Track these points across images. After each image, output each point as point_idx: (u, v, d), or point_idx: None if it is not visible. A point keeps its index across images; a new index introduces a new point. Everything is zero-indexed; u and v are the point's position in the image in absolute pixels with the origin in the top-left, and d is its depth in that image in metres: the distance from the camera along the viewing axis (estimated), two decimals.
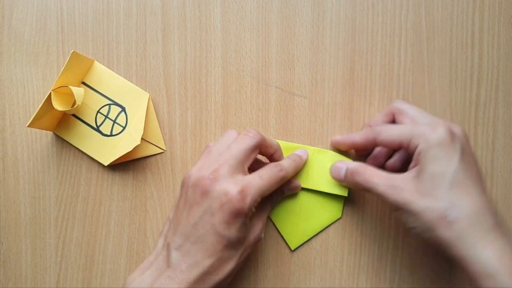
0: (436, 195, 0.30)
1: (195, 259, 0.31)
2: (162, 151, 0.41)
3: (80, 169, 0.41)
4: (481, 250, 0.29)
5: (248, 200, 0.32)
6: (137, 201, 0.41)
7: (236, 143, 0.34)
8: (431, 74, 0.40)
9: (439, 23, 0.40)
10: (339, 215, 0.40)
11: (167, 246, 0.33)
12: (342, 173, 0.37)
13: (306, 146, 0.39)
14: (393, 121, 0.37)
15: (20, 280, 0.41)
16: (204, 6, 0.41)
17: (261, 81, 0.41)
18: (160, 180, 0.41)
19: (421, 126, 0.32)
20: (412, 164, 0.33)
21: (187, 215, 0.32)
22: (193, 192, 0.33)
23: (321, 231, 0.40)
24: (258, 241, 0.35)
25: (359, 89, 0.41)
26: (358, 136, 0.36)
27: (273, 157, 0.37)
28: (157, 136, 0.41)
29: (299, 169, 0.38)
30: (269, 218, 0.40)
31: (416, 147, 0.32)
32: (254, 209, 0.33)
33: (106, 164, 0.40)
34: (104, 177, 0.41)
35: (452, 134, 0.31)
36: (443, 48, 0.40)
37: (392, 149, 0.38)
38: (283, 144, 0.39)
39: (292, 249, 0.40)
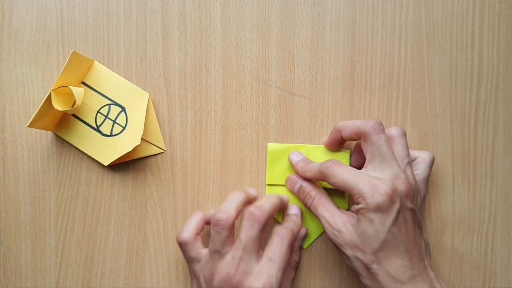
0: (365, 250, 0.33)
1: None
2: (162, 151, 0.41)
3: (80, 169, 0.41)
4: None
5: (276, 286, 0.33)
6: (137, 201, 0.41)
7: (244, 233, 0.34)
8: (431, 74, 0.40)
9: (439, 23, 0.40)
10: (346, 208, 0.40)
11: None
12: (296, 187, 0.38)
13: (302, 144, 0.40)
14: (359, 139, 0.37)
15: (20, 280, 0.41)
16: (204, 6, 0.41)
17: (261, 81, 0.41)
18: (160, 180, 0.41)
19: (362, 185, 0.33)
20: (354, 208, 0.34)
21: None
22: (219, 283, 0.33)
23: None
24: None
25: (359, 89, 0.41)
26: (308, 173, 0.37)
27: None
28: (157, 136, 0.41)
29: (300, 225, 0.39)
30: (275, 220, 0.40)
31: (356, 202, 0.33)
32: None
33: (106, 164, 0.40)
34: (104, 177, 0.41)
35: (391, 195, 0.32)
36: (443, 48, 0.40)
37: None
38: (277, 146, 0.39)
39: (305, 248, 0.40)
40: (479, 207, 0.40)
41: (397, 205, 0.32)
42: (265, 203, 0.36)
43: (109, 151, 0.40)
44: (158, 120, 0.41)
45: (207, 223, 0.38)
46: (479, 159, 0.40)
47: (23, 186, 0.41)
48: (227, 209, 0.35)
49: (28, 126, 0.37)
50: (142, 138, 0.38)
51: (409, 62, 0.40)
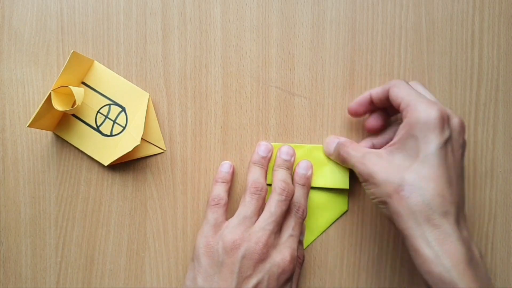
0: (401, 170, 0.31)
1: None
2: (162, 151, 0.41)
3: (80, 169, 0.41)
4: (425, 232, 0.29)
5: (295, 260, 0.35)
6: (137, 201, 0.41)
7: (276, 207, 0.35)
8: (431, 74, 0.40)
9: (439, 23, 0.40)
10: (345, 208, 0.40)
11: None
12: (333, 146, 0.38)
13: (301, 144, 0.40)
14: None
15: (20, 280, 0.41)
16: (204, 6, 0.41)
17: (261, 81, 0.41)
18: (160, 180, 0.41)
19: (419, 101, 0.32)
20: (396, 135, 0.33)
21: (239, 287, 0.33)
22: (245, 264, 0.33)
23: (329, 226, 0.40)
24: None
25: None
26: (374, 91, 0.36)
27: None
28: (157, 136, 0.41)
29: (310, 188, 0.39)
30: None
31: (406, 115, 0.32)
32: None
33: (106, 164, 0.40)
34: (104, 177, 0.41)
35: (444, 121, 0.31)
36: (443, 48, 0.40)
37: (395, 107, 0.36)
38: (278, 146, 0.40)
39: (304, 247, 0.40)
40: (479, 207, 0.40)
41: (447, 131, 0.30)
42: (287, 178, 0.37)
43: (109, 151, 0.40)
44: (158, 120, 0.41)
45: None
46: (479, 159, 0.40)
47: (23, 186, 0.41)
48: (287, 180, 0.37)
49: (28, 126, 0.37)
50: (142, 138, 0.38)
51: (409, 62, 0.40)
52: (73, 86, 0.39)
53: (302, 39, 0.40)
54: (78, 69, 0.39)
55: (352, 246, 0.40)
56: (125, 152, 0.38)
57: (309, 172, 0.39)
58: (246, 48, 0.41)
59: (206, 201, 0.41)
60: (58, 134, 0.41)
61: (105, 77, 0.40)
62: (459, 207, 0.31)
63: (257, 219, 0.35)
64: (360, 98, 0.38)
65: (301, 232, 0.39)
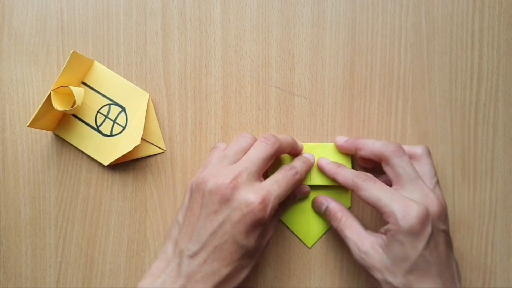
0: (396, 273, 0.32)
1: (211, 269, 0.31)
2: (162, 151, 0.41)
3: (80, 169, 0.41)
4: None
5: (269, 209, 0.32)
6: (137, 201, 0.41)
7: (255, 150, 0.34)
8: (431, 74, 0.40)
9: (439, 23, 0.40)
10: (349, 205, 0.40)
11: (180, 253, 0.32)
12: (323, 208, 0.38)
13: (305, 143, 0.40)
14: (380, 162, 0.36)
15: (20, 280, 0.41)
16: (204, 6, 0.41)
17: (261, 81, 0.41)
18: (160, 180, 0.41)
19: (395, 204, 0.32)
20: (383, 228, 0.34)
21: (204, 222, 0.32)
22: (210, 199, 0.32)
23: None
24: (268, 245, 0.35)
25: (359, 89, 0.41)
26: (340, 176, 0.36)
27: (290, 153, 0.38)
28: (157, 136, 0.41)
29: (309, 171, 0.38)
30: (279, 220, 0.40)
31: (387, 221, 0.33)
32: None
33: (106, 164, 0.40)
34: (104, 177, 0.41)
35: (423, 219, 0.32)
36: (443, 48, 0.40)
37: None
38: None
39: (309, 246, 0.40)
40: (479, 207, 0.40)
41: (428, 229, 0.32)
42: (283, 138, 0.36)
43: (109, 151, 0.40)
44: (158, 120, 0.41)
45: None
46: (479, 159, 0.40)
47: (23, 186, 0.41)
48: (276, 136, 0.36)
49: (28, 126, 0.37)
50: (142, 138, 0.38)
51: (409, 62, 0.40)
52: (73, 86, 0.39)
53: (302, 39, 0.40)
54: (78, 69, 0.39)
55: None
56: (125, 152, 0.38)
57: (312, 158, 0.39)
58: (246, 48, 0.41)
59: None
60: (58, 134, 0.41)
61: (105, 77, 0.40)
62: (454, 282, 0.33)
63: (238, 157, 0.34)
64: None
65: (300, 191, 0.39)
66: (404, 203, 0.32)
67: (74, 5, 0.41)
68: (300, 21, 0.40)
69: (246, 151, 0.35)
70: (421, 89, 0.40)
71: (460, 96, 0.40)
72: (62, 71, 0.37)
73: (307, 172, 0.38)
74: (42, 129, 0.39)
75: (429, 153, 0.36)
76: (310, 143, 0.40)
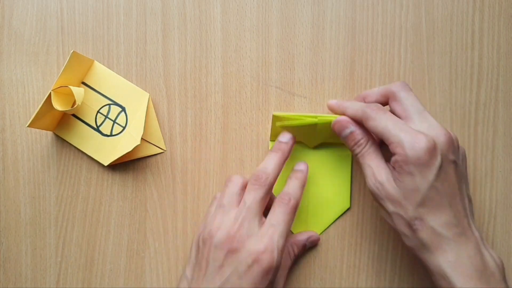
0: (406, 206, 0.32)
1: None
2: (162, 151, 0.41)
3: (80, 169, 0.41)
4: (439, 257, 0.31)
5: (276, 254, 0.32)
6: (137, 201, 0.41)
7: (248, 196, 0.34)
8: (431, 74, 0.40)
9: (439, 23, 0.40)
10: (348, 205, 0.40)
11: None
12: (346, 131, 0.36)
13: (309, 114, 0.38)
14: (387, 103, 0.36)
15: (20, 280, 0.41)
16: (204, 6, 0.41)
17: (261, 81, 0.41)
18: (160, 180, 0.41)
19: (404, 134, 0.32)
20: (391, 160, 0.33)
21: (212, 277, 0.32)
22: (217, 253, 0.32)
23: (332, 224, 0.40)
24: None
25: (359, 89, 0.41)
26: (349, 109, 0.36)
27: None
28: (157, 136, 0.41)
29: (305, 185, 0.38)
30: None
31: (394, 152, 0.32)
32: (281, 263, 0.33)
33: (106, 164, 0.40)
34: (104, 177, 0.41)
35: (432, 150, 0.31)
36: (443, 48, 0.40)
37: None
38: (282, 115, 0.37)
39: (319, 233, 0.40)
40: (478, 207, 0.40)
41: (438, 159, 0.31)
42: (269, 165, 0.35)
43: (109, 151, 0.40)
44: (158, 120, 0.41)
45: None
46: (479, 159, 0.40)
47: (23, 186, 0.41)
48: (267, 170, 0.35)
49: (28, 126, 0.37)
50: (142, 138, 0.38)
51: (409, 62, 0.40)
52: (73, 86, 0.38)
53: (302, 39, 0.40)
54: (78, 69, 0.39)
55: (352, 246, 0.40)
56: (125, 152, 0.38)
57: (305, 169, 0.38)
58: (246, 48, 0.41)
59: (206, 201, 0.41)
60: (58, 134, 0.41)
61: (105, 77, 0.40)
62: (466, 215, 0.33)
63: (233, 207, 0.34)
64: (338, 108, 0.37)
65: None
66: (413, 134, 0.32)
67: (74, 5, 0.41)
68: (300, 21, 0.40)
69: (239, 194, 0.35)
70: (421, 89, 0.40)
71: (460, 96, 0.40)
72: (62, 71, 0.37)
73: (303, 189, 0.37)
74: (42, 129, 0.39)
75: (407, 88, 0.36)
76: (314, 114, 0.37)
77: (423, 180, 0.31)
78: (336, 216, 0.40)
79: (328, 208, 0.40)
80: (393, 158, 0.33)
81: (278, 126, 0.38)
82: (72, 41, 0.41)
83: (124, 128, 0.40)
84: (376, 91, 0.36)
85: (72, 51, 0.37)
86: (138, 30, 0.41)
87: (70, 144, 0.41)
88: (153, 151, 0.41)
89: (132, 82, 0.41)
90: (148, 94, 0.40)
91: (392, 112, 0.35)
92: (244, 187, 0.35)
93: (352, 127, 0.36)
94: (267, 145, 0.40)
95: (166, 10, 0.41)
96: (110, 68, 0.41)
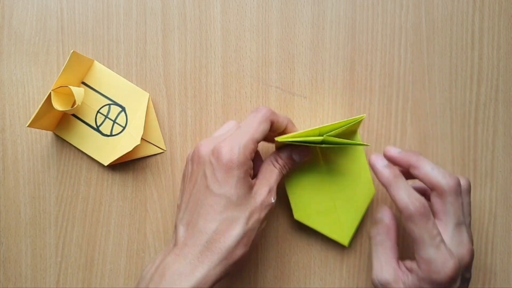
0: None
1: (197, 228, 0.30)
2: (162, 151, 0.41)
3: (80, 169, 0.41)
4: None
5: (236, 151, 0.31)
6: (137, 201, 0.41)
7: (245, 121, 0.33)
8: (431, 74, 0.41)
9: (439, 23, 0.40)
10: (373, 192, 0.38)
11: (175, 226, 0.32)
12: (383, 164, 0.33)
13: (313, 128, 0.36)
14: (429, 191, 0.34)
15: (20, 280, 0.41)
16: (204, 6, 0.41)
17: (261, 81, 0.41)
18: (160, 180, 0.41)
19: (434, 254, 0.30)
20: (410, 264, 0.33)
21: (187, 187, 0.32)
22: (191, 165, 0.33)
23: (365, 215, 0.39)
24: (269, 207, 0.32)
25: (359, 89, 0.41)
26: (399, 195, 0.32)
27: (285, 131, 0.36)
28: (157, 136, 0.41)
29: (293, 127, 0.36)
30: (308, 227, 0.39)
31: (418, 265, 0.31)
32: (251, 162, 0.32)
33: (106, 164, 0.40)
34: (104, 177, 0.41)
35: (455, 277, 0.30)
36: (443, 48, 0.40)
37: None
38: (299, 134, 0.35)
39: (347, 245, 0.39)
40: (479, 207, 0.40)
41: (456, 285, 0.31)
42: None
43: (109, 151, 0.40)
44: (158, 120, 0.41)
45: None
46: (479, 159, 0.40)
47: (23, 186, 0.41)
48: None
49: (28, 126, 0.37)
50: (142, 138, 0.39)
51: (409, 62, 0.40)
52: (73, 86, 0.39)
53: (302, 39, 0.40)
54: (78, 69, 0.39)
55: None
56: (125, 152, 0.38)
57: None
58: (246, 48, 0.41)
59: None
60: (58, 134, 0.41)
61: (105, 77, 0.40)
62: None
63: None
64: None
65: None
66: (444, 257, 0.30)
67: (74, 5, 0.41)
68: (300, 21, 0.41)
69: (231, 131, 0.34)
70: (421, 89, 0.40)
71: (460, 96, 0.40)
72: (62, 71, 0.37)
73: (287, 120, 0.35)
74: (42, 129, 0.39)
75: (469, 190, 0.34)
76: (318, 128, 0.35)
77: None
78: (366, 206, 0.39)
79: (356, 201, 0.39)
80: (414, 266, 0.31)
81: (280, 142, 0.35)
82: (72, 41, 0.41)
83: (124, 128, 0.40)
84: (429, 172, 0.32)
85: (72, 51, 0.37)
86: (138, 30, 0.41)
87: (70, 144, 0.41)
88: (153, 151, 0.41)
89: (132, 82, 0.41)
90: (148, 94, 0.40)
91: (430, 202, 0.33)
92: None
93: (383, 215, 0.34)
94: (266, 146, 0.40)
95: (166, 10, 0.41)
96: (110, 68, 0.41)
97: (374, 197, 0.39)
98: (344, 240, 0.39)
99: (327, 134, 0.34)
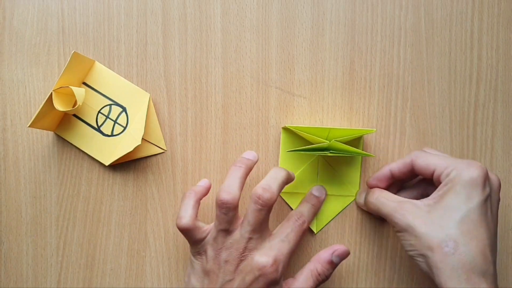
0: (443, 224, 0.30)
1: None
2: (163, 151, 0.41)
3: (81, 169, 0.41)
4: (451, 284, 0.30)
5: (280, 268, 0.33)
6: (138, 201, 0.41)
7: (252, 215, 0.34)
8: (430, 74, 0.41)
9: (438, 23, 0.41)
10: (357, 190, 0.40)
11: None
12: (363, 196, 0.38)
13: (321, 126, 0.38)
14: (413, 171, 0.36)
15: (21, 280, 0.41)
16: (204, 6, 0.41)
17: (261, 81, 0.41)
18: (160, 180, 0.41)
19: (458, 161, 0.32)
20: (435, 193, 0.33)
21: (216, 276, 0.33)
22: (227, 267, 0.33)
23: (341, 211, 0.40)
24: None
25: (359, 89, 0.41)
26: (394, 164, 0.36)
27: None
28: (157, 136, 0.41)
29: (318, 211, 0.39)
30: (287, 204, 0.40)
31: (447, 177, 0.32)
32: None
33: (107, 164, 0.40)
34: (105, 177, 0.41)
35: (485, 179, 0.31)
36: (442, 49, 0.41)
37: (423, 176, 0.35)
38: (308, 129, 0.37)
39: (316, 232, 0.40)
40: None
41: (488, 189, 0.31)
42: (273, 183, 0.34)
43: (110, 151, 0.40)
44: (158, 120, 0.41)
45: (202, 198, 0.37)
46: (478, 159, 0.41)
47: (24, 186, 0.41)
48: (231, 189, 0.34)
49: (29, 126, 0.37)
50: (142, 138, 0.39)
51: (408, 62, 0.41)
52: (74, 86, 0.39)
53: (302, 39, 0.41)
54: (79, 69, 0.39)
55: (352, 246, 0.40)
56: (125, 152, 0.38)
57: (323, 196, 0.39)
58: (246, 49, 0.41)
59: (206, 201, 0.41)
60: (59, 134, 0.41)
61: (106, 77, 0.41)
62: (495, 265, 0.31)
63: (235, 227, 0.34)
64: (379, 174, 0.37)
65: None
66: (467, 162, 0.32)
67: (75, 6, 0.41)
68: (300, 22, 0.41)
69: (237, 212, 0.35)
70: (420, 89, 0.41)
71: (459, 96, 0.41)
72: (63, 71, 0.37)
73: (316, 214, 0.38)
74: (43, 129, 0.39)
75: (485, 181, 0.32)
76: (326, 127, 0.37)
77: (469, 200, 0.30)
78: (347, 204, 0.40)
79: (338, 197, 0.40)
80: (444, 181, 0.32)
81: (287, 152, 0.39)
82: (73, 41, 0.41)
83: (125, 128, 0.40)
84: (399, 162, 0.36)
85: (73, 51, 0.37)
86: (139, 31, 0.41)
87: (71, 144, 0.41)
88: (153, 151, 0.41)
89: (132, 83, 0.41)
90: (149, 95, 0.40)
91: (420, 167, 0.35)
92: (237, 206, 0.34)
93: (365, 191, 0.38)
94: (266, 146, 0.41)
95: (166, 10, 0.41)
96: (111, 69, 0.41)
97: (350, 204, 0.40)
98: (315, 227, 0.40)
99: (335, 139, 0.35)
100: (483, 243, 0.30)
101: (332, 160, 0.40)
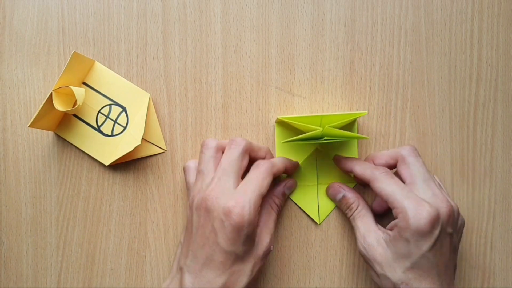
0: (396, 268, 0.33)
1: (207, 279, 0.32)
2: (163, 151, 0.41)
3: (81, 169, 0.41)
4: None
5: (246, 211, 0.32)
6: (138, 201, 0.41)
7: (225, 156, 0.35)
8: (430, 74, 0.41)
9: (438, 23, 0.41)
10: (354, 182, 0.40)
11: (181, 270, 0.34)
12: (339, 196, 0.39)
13: (315, 114, 0.38)
14: (395, 165, 0.37)
15: (21, 280, 0.41)
16: (204, 6, 0.41)
17: (261, 81, 0.41)
18: (160, 180, 0.41)
19: (408, 202, 0.32)
20: (391, 224, 0.34)
21: (195, 237, 0.33)
22: (197, 215, 0.34)
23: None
24: (268, 254, 0.35)
25: (359, 89, 0.41)
26: (358, 168, 0.37)
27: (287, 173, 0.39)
28: (157, 136, 0.41)
29: (292, 167, 0.38)
30: (289, 199, 0.40)
31: (396, 217, 0.33)
32: (256, 218, 0.33)
33: (107, 164, 0.40)
34: (105, 177, 0.41)
35: (433, 221, 0.32)
36: (442, 49, 0.41)
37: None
38: (301, 119, 0.37)
39: (319, 223, 0.40)
40: (478, 207, 0.41)
41: (437, 231, 0.32)
42: (275, 160, 0.37)
43: (110, 151, 0.40)
44: (158, 120, 0.41)
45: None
46: (478, 159, 0.41)
47: (24, 186, 0.41)
48: (216, 140, 0.37)
49: (29, 126, 0.37)
50: (142, 138, 0.39)
51: (408, 62, 0.41)
52: (74, 86, 0.39)
53: (301, 39, 0.41)
54: (79, 69, 0.39)
55: (352, 246, 0.40)
56: (125, 152, 0.38)
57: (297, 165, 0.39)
58: (246, 49, 0.41)
59: None
60: (59, 134, 0.41)
61: (106, 77, 0.41)
62: (451, 286, 0.34)
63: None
64: (345, 166, 0.38)
65: (287, 185, 0.39)
66: (417, 202, 0.32)
67: (75, 6, 0.41)
68: (300, 22, 0.41)
69: (215, 157, 0.36)
70: (420, 89, 0.41)
71: (459, 96, 0.41)
72: (63, 71, 0.37)
73: (285, 164, 0.37)
74: (43, 129, 0.39)
75: (416, 153, 0.36)
76: (320, 115, 0.37)
77: (417, 249, 0.32)
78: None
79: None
80: (393, 222, 0.33)
81: (282, 143, 0.40)
82: (73, 41, 0.41)
83: (124, 128, 0.40)
84: (385, 153, 0.37)
85: (73, 51, 0.37)
86: (139, 31, 0.41)
87: (71, 144, 0.41)
88: (153, 151, 0.41)
89: (132, 83, 0.41)
90: (149, 94, 0.40)
91: (399, 175, 0.36)
92: (220, 149, 0.36)
93: (344, 192, 0.38)
94: (266, 146, 0.41)
95: (166, 10, 0.41)
96: (111, 69, 0.41)
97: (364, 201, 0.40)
98: (318, 218, 0.40)
99: (329, 125, 0.35)
100: (436, 279, 0.32)
101: (329, 150, 0.40)
